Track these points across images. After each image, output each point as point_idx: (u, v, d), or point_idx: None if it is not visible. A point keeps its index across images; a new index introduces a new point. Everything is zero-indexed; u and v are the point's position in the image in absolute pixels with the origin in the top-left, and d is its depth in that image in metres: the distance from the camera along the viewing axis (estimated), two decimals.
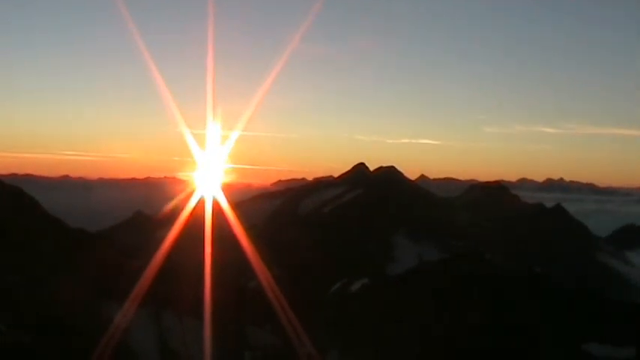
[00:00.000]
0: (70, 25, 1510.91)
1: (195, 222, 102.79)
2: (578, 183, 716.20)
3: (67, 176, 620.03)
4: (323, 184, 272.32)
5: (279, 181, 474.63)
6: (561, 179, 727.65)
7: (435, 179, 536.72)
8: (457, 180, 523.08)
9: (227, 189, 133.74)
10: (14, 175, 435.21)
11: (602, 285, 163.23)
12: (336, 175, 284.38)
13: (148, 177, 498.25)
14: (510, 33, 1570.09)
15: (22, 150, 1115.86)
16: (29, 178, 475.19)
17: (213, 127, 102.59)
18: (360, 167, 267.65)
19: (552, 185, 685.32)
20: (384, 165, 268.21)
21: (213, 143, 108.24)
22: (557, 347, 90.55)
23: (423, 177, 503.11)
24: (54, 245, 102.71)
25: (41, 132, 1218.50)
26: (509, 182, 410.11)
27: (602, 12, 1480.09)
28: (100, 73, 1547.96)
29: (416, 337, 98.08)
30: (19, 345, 70.61)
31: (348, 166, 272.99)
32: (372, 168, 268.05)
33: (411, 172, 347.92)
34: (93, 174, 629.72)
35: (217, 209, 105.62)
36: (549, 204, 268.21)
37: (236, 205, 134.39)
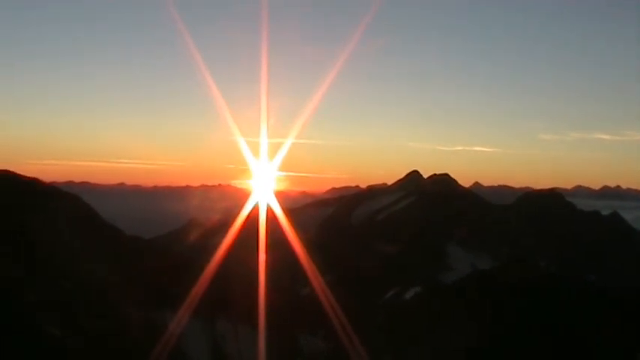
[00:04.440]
0: (124, 35, 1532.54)
1: (249, 229, 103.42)
2: (635, 190, 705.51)
3: (122, 184, 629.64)
4: (376, 191, 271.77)
5: (333, 188, 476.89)
6: (618, 186, 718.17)
7: (489, 186, 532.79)
8: (511, 187, 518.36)
9: (280, 196, 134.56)
10: (71, 183, 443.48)
11: None
12: (389, 182, 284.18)
13: (203, 184, 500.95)
14: (568, 40, 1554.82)
15: (79, 158, 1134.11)
16: (86, 186, 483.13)
17: (267, 135, 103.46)
18: (414, 174, 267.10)
19: (608, 192, 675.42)
20: (438, 172, 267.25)
21: (266, 151, 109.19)
22: (611, 357, 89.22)
23: (477, 184, 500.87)
24: (109, 252, 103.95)
25: (98, 140, 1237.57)
26: (564, 190, 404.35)
27: None
28: (156, 83, 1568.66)
29: (468, 346, 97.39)
30: (74, 350, 71.50)
31: (401, 174, 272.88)
32: (425, 175, 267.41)
33: (464, 180, 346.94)
34: (148, 182, 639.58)
35: (271, 216, 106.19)
36: (605, 212, 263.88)
37: (289, 213, 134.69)
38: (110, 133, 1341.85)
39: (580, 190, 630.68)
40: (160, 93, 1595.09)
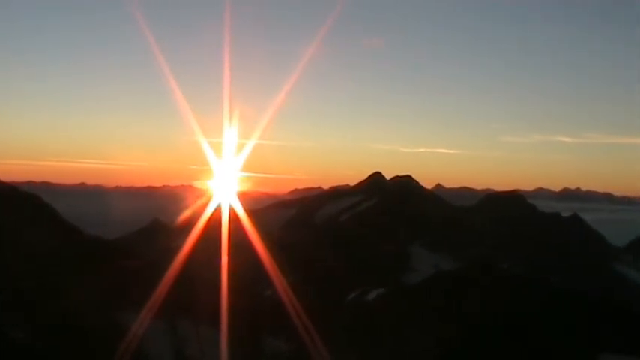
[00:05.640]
0: (86, 35, 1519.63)
1: (212, 230, 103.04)
2: (595, 193, 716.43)
3: (83, 184, 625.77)
4: (339, 192, 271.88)
5: (295, 189, 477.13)
6: (578, 189, 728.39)
7: (451, 188, 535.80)
8: (473, 189, 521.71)
9: (243, 197, 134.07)
10: (31, 183, 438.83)
11: (619, 294, 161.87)
12: (352, 183, 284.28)
13: (165, 185, 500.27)
14: (529, 42, 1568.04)
15: (39, 158, 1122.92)
16: (46, 186, 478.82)
17: (230, 136, 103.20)
18: (377, 176, 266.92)
19: (569, 195, 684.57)
20: (401, 174, 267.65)
21: (229, 152, 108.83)
22: (573, 357, 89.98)
23: (439, 186, 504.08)
24: (70, 253, 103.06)
25: (58, 140, 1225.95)
26: (525, 192, 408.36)
27: (620, 24, 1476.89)
28: (117, 82, 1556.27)
29: (432, 347, 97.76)
30: (36, 352, 70.86)
31: (364, 175, 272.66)
32: (388, 177, 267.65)
33: (427, 181, 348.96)
34: (109, 182, 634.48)
35: (233, 217, 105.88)
36: (566, 213, 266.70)
37: (252, 214, 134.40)
38: (71, 133, 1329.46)
39: (541, 193, 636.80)
40: (121, 93, 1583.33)
